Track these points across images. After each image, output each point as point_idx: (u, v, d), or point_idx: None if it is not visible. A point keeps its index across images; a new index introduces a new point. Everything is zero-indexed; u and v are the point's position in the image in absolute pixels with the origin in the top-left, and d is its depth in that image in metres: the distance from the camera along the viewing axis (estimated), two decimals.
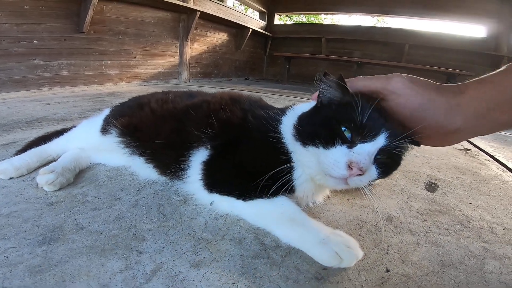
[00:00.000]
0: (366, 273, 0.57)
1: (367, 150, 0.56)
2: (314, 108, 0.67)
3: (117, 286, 0.48)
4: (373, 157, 0.57)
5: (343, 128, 0.58)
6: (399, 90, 0.57)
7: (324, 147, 0.59)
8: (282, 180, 0.64)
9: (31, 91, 2.47)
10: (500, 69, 0.52)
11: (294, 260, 0.59)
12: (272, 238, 0.65)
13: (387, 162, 0.61)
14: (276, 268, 0.56)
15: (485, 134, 0.59)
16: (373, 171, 0.59)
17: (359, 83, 0.63)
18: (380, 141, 0.57)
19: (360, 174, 0.56)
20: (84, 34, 2.83)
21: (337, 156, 0.57)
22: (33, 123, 1.48)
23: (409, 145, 0.63)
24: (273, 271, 0.55)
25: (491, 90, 0.51)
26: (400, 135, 0.57)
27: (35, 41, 2.47)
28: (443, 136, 0.57)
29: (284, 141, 0.69)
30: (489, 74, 0.53)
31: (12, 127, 1.39)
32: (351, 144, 0.57)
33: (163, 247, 0.59)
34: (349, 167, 0.55)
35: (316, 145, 0.60)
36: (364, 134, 0.57)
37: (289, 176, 0.67)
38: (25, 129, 1.37)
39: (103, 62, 3.13)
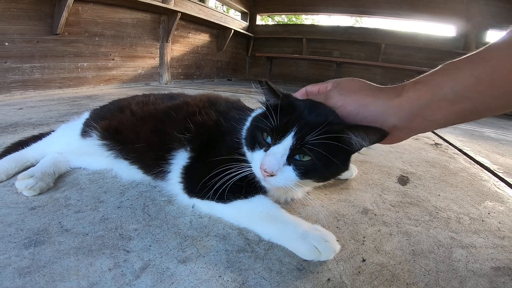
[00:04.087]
0: (344, 263, 0.61)
1: (274, 152, 0.59)
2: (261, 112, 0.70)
3: (107, 283, 0.50)
4: (283, 158, 0.59)
5: (265, 133, 0.62)
6: (337, 103, 0.63)
7: (251, 151, 0.64)
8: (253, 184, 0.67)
9: (3, 95, 2.37)
10: (433, 70, 0.56)
11: (276, 253, 0.62)
12: (255, 233, 0.68)
13: (306, 164, 0.59)
14: (260, 261, 0.59)
15: (430, 130, 0.64)
16: (288, 172, 0.60)
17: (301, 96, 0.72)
18: (287, 141, 0.59)
19: (271, 175, 0.59)
20: (58, 36, 2.73)
21: (255, 160, 0.63)
22: (7, 129, 1.43)
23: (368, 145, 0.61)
24: (257, 264, 0.58)
25: (424, 90, 0.55)
26: (311, 133, 0.56)
27: (6, 44, 2.37)
28: None
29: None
30: (424, 74, 0.57)
31: None
32: (266, 148, 0.61)
33: (150, 246, 0.61)
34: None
35: (249, 150, 0.66)
36: (276, 137, 0.60)
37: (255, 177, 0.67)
38: None
39: (78, 65, 3.03)
